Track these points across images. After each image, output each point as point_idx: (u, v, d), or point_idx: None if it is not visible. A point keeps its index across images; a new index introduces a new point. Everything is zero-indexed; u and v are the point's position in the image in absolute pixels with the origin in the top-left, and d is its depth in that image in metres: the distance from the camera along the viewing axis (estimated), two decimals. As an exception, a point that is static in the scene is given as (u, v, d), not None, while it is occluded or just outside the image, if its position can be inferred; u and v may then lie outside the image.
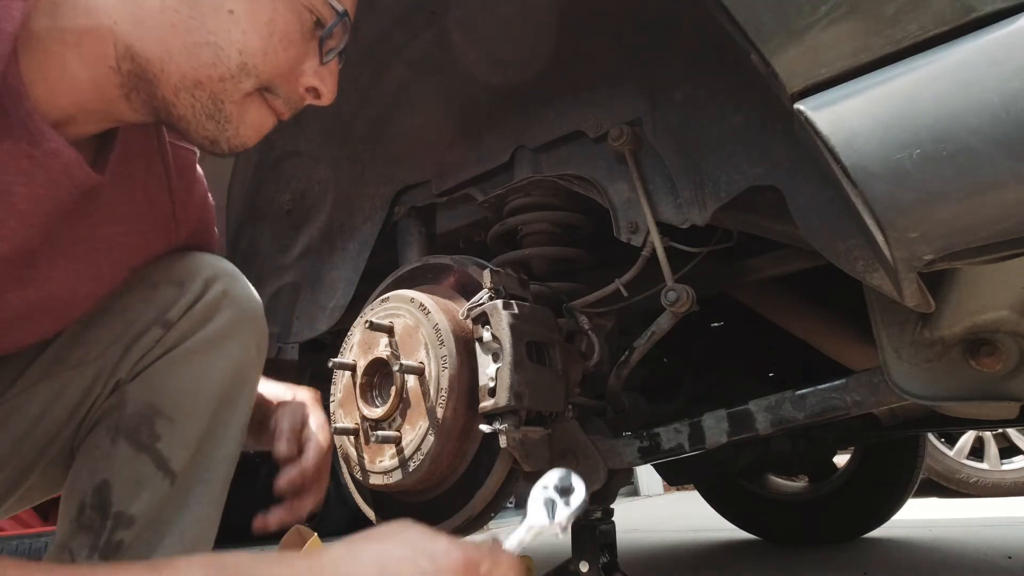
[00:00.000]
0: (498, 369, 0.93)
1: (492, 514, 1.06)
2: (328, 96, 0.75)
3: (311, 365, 1.49)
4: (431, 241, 1.32)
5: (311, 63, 0.72)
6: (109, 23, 0.62)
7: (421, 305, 1.02)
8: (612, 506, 1.16)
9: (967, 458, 3.46)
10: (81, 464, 0.79)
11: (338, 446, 1.10)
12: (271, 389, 0.95)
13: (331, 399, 1.12)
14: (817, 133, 0.52)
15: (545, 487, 0.60)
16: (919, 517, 2.81)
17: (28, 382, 0.79)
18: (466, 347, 0.99)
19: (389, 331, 1.04)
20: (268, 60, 0.67)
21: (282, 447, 0.83)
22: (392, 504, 1.14)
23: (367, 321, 1.05)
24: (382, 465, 1.02)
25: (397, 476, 1.00)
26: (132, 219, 0.79)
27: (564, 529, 0.59)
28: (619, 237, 1.03)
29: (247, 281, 0.89)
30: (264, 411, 0.91)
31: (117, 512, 0.75)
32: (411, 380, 1.00)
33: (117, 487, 0.76)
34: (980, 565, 1.79)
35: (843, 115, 0.52)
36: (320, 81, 0.73)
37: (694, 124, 0.95)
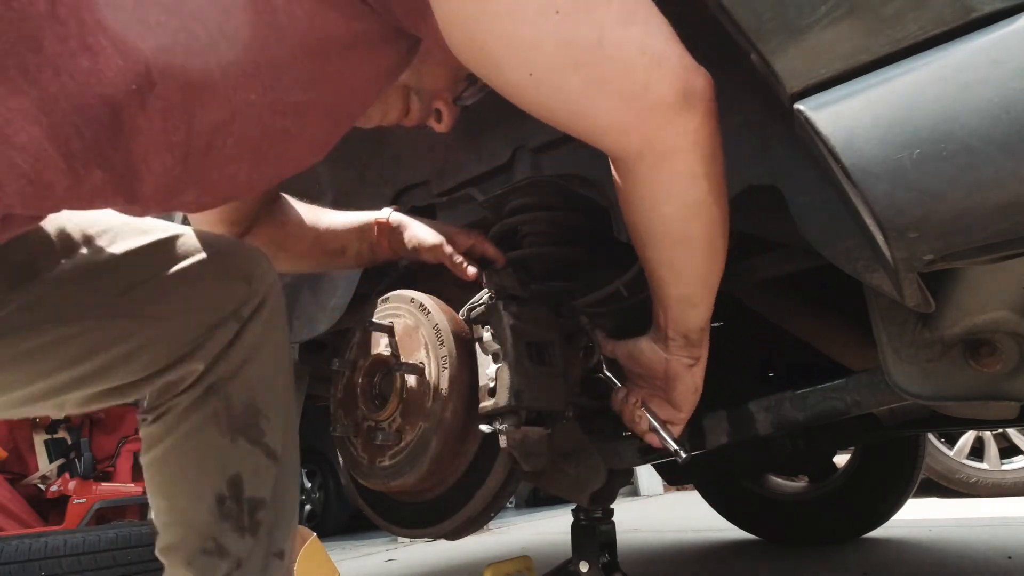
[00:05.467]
0: (498, 369, 0.93)
1: (492, 514, 1.06)
2: (446, 126, 0.89)
3: (311, 365, 1.49)
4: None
5: (453, 92, 0.86)
6: None
7: (421, 305, 1.02)
8: (612, 506, 1.16)
9: (967, 458, 3.45)
10: (204, 461, 0.85)
11: (338, 447, 1.10)
12: (337, 218, 1.09)
13: (331, 399, 1.12)
14: (817, 133, 0.52)
15: None
16: (919, 517, 2.81)
17: (91, 305, 0.79)
18: (466, 347, 0.99)
19: (389, 331, 1.04)
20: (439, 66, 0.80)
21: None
22: (392, 504, 1.14)
23: (367, 321, 1.05)
24: (382, 465, 1.02)
25: (397, 476, 1.00)
26: None
27: None
28: (619, 237, 1.03)
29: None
30: (343, 238, 1.08)
31: (249, 497, 0.85)
32: (411, 380, 1.00)
33: (246, 477, 0.85)
34: (980, 565, 1.79)
35: (843, 115, 0.52)
36: (448, 110, 0.88)
37: (694, 124, 0.95)
